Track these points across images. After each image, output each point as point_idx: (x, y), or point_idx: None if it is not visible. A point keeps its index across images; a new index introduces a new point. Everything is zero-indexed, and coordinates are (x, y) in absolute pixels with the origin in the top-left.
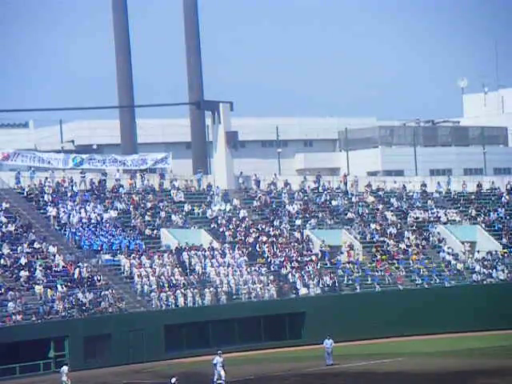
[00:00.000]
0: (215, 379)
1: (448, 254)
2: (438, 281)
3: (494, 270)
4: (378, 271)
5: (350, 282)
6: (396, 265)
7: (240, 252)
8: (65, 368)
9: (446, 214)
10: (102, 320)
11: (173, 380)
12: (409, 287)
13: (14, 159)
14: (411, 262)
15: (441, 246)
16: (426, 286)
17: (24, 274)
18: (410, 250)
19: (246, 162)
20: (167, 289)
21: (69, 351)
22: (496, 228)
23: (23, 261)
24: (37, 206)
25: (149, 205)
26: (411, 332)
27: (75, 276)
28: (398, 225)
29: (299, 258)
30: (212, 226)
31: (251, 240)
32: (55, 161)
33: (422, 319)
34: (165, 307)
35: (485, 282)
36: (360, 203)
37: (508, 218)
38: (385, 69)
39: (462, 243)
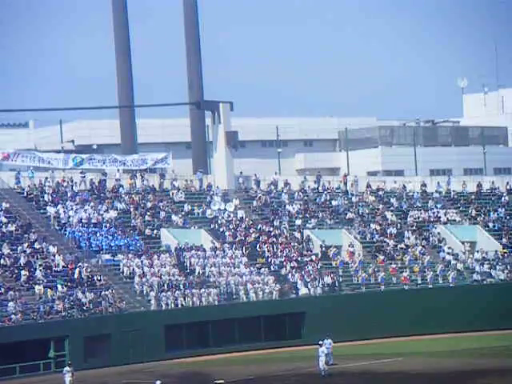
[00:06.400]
0: (322, 368)
1: (448, 254)
2: (440, 281)
3: (494, 270)
4: (380, 271)
5: (356, 281)
6: (398, 265)
7: (240, 252)
8: (67, 368)
9: (445, 214)
10: (102, 320)
11: (157, 382)
12: (409, 287)
13: (14, 159)
14: (419, 261)
15: (441, 246)
16: (431, 285)
17: (24, 273)
18: (409, 249)
19: (246, 162)
20: (167, 289)
21: (69, 351)
22: (496, 228)
23: (23, 261)
24: (37, 206)
25: (149, 205)
26: (411, 332)
27: (75, 276)
28: (398, 225)
29: (299, 258)
30: (212, 226)
31: (251, 240)
32: (55, 161)
33: (422, 319)
34: (165, 307)
35: (485, 282)
36: (360, 203)
37: (508, 217)
38: (385, 69)
39: (462, 243)
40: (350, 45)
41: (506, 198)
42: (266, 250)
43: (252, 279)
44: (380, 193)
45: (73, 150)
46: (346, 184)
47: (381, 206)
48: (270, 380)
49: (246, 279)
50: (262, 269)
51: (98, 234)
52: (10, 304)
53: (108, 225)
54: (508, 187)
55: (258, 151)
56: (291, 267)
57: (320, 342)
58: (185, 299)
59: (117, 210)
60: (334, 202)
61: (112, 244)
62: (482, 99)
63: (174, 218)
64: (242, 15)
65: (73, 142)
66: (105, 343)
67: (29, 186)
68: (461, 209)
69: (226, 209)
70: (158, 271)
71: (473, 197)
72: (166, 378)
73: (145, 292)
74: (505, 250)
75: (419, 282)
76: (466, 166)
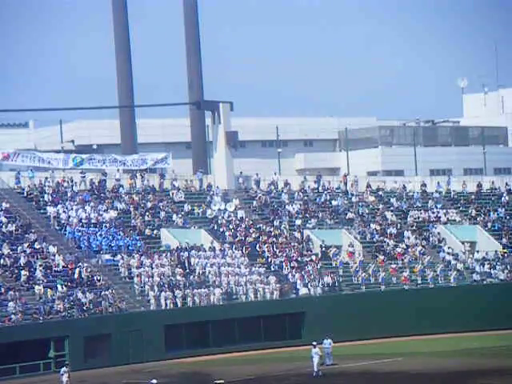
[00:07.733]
0: (315, 369)
1: (448, 254)
2: (440, 281)
3: (494, 270)
4: (381, 271)
5: (356, 281)
6: (398, 265)
7: (240, 252)
8: (64, 369)
9: (445, 214)
10: (102, 320)
11: (153, 381)
12: (409, 287)
13: (14, 159)
14: (419, 262)
15: (441, 246)
16: (431, 285)
17: (24, 273)
18: (409, 249)
19: (246, 162)
20: (167, 289)
21: (69, 351)
22: (496, 228)
23: (23, 261)
24: (37, 206)
25: (149, 205)
26: (411, 332)
27: (75, 276)
28: (398, 225)
29: (299, 258)
30: (212, 225)
31: (251, 240)
32: (55, 161)
33: (422, 319)
34: (165, 307)
35: (485, 282)
36: (360, 203)
37: (508, 217)
38: (385, 69)
39: (462, 243)
40: (350, 45)
41: (506, 197)
42: (265, 250)
43: (252, 279)
44: (380, 193)
45: (73, 150)
46: (346, 184)
47: (381, 206)
48: (270, 380)
49: (246, 279)
50: (262, 269)
51: (97, 234)
52: (10, 304)
53: (108, 225)
54: (507, 187)
55: (258, 151)
56: (291, 267)
57: (314, 343)
58: (185, 299)
59: (117, 210)
60: (334, 202)
61: (112, 244)
62: (482, 99)
63: (174, 218)
64: (241, 15)
65: (73, 142)
66: (105, 343)
67: (29, 186)
68: (461, 209)
69: (226, 209)
70: (158, 271)
71: (473, 197)
72: (166, 377)
73: (145, 292)
74: (505, 250)
75: (419, 281)
76: (466, 166)
